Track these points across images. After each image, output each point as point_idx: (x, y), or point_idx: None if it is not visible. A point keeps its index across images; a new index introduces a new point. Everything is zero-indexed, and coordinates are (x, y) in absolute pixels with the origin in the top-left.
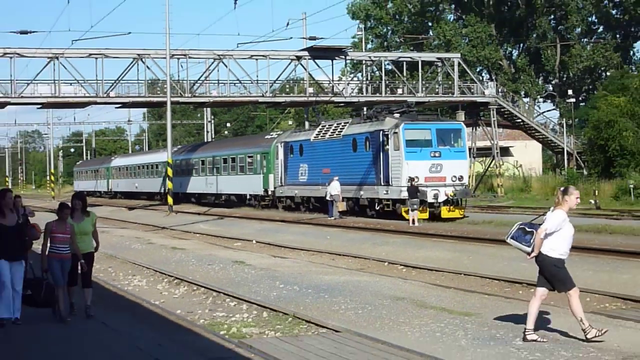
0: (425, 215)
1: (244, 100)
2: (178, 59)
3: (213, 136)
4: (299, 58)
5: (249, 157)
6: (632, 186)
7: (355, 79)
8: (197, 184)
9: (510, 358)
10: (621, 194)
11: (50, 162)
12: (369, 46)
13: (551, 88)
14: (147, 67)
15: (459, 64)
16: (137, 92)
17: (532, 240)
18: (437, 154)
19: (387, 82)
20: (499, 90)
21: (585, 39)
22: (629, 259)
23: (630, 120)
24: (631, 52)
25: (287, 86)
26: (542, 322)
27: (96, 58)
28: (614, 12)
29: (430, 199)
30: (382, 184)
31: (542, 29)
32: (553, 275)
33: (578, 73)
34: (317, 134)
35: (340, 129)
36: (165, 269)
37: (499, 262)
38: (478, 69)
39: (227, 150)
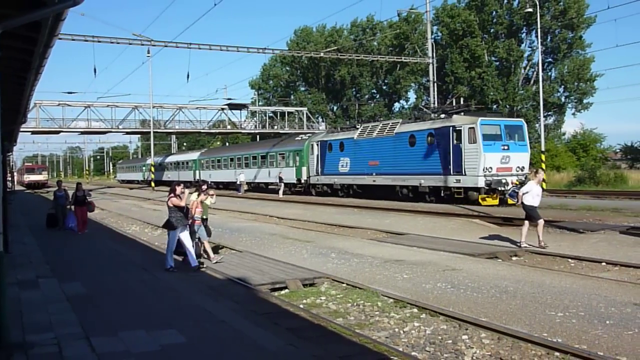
0: (496, 202)
1: (193, 131)
2: (157, 108)
3: (176, 151)
4: (223, 109)
5: (280, 154)
6: None
7: (253, 120)
8: (225, 175)
9: (328, 262)
10: None
11: (85, 164)
12: (260, 103)
13: None
14: (140, 112)
15: (306, 113)
16: (134, 126)
17: (517, 197)
18: (506, 147)
19: (269, 122)
20: (327, 127)
21: (370, 101)
22: (390, 212)
23: None
24: (393, 109)
25: (216, 124)
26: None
27: (112, 107)
28: (384, 87)
29: (501, 187)
30: (453, 173)
31: (349, 96)
32: (530, 214)
33: (366, 119)
34: (360, 133)
35: (391, 127)
36: (148, 220)
37: (325, 215)
38: (316, 116)
39: (258, 150)
